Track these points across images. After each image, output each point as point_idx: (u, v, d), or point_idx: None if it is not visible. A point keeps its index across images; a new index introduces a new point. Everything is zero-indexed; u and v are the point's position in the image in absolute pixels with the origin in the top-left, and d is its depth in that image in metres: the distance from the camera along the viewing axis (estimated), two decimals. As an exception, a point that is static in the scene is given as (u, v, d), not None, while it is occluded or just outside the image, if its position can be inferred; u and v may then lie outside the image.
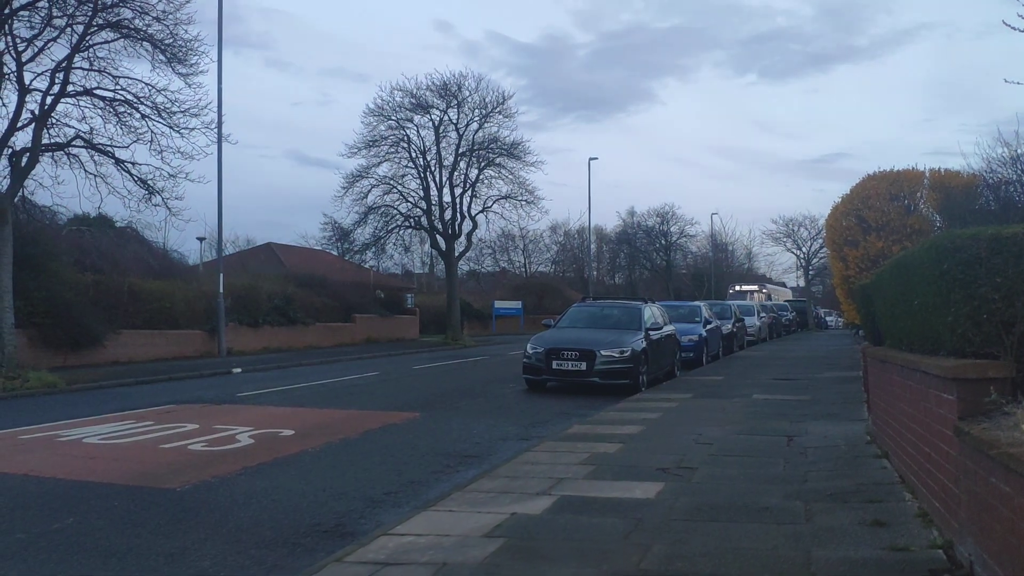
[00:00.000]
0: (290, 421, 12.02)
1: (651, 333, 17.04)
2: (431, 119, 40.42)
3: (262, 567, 5.51)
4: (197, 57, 20.29)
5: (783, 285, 79.67)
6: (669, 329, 19.04)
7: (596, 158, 61.04)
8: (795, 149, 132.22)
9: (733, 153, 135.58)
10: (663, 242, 70.62)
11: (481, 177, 41.49)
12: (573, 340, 16.10)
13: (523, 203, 41.84)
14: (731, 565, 5.15)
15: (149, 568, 5.49)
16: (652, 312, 18.29)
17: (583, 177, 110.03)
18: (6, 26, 17.99)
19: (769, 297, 57.42)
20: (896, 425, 7.46)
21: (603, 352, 15.51)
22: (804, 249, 74.96)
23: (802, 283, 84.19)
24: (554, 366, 15.71)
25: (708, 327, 23.95)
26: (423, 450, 9.89)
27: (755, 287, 60.20)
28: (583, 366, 15.50)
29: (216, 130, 23.79)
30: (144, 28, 19.27)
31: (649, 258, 72.21)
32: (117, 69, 19.64)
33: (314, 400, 14.94)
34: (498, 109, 40.91)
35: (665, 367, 18.23)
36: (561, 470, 8.12)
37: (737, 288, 58.64)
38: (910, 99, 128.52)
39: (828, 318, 73.52)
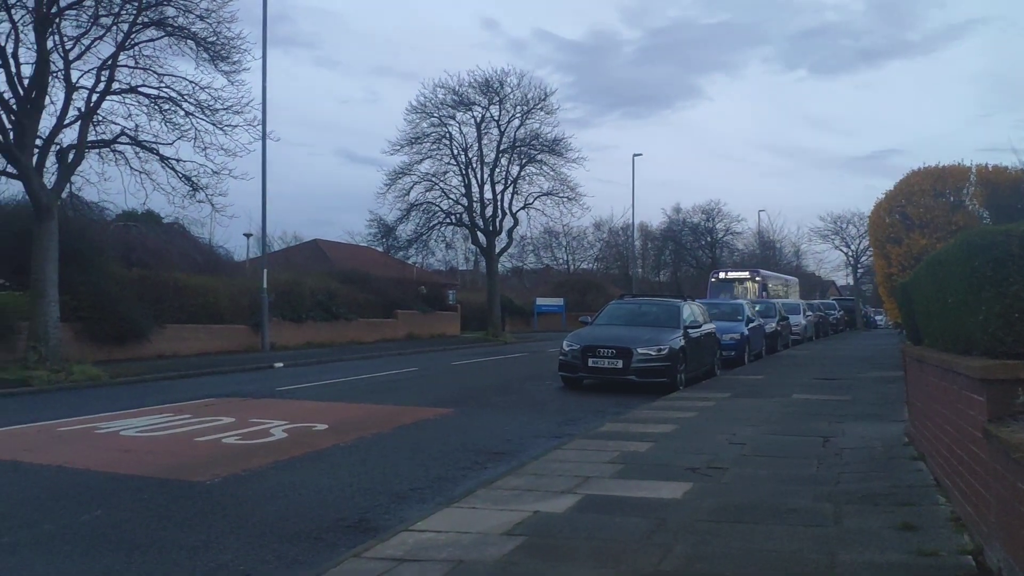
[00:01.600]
0: (325, 416, 12.10)
1: (690, 331, 16.85)
2: (473, 116, 40.61)
3: (283, 561, 5.53)
4: (240, 55, 20.55)
5: (791, 274, 61.42)
6: (709, 327, 18.82)
7: (640, 154, 60.84)
8: (846, 145, 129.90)
9: (782, 149, 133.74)
10: (709, 239, 69.92)
11: (522, 174, 41.52)
12: (610, 337, 15.98)
13: (565, 199, 41.80)
14: (752, 567, 5.04)
15: (171, 561, 5.54)
16: (691, 310, 18.09)
17: (628, 174, 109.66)
18: (54, 25, 18.36)
19: (764, 287, 42.15)
20: (932, 426, 7.27)
21: (640, 350, 15.37)
22: (853, 247, 73.70)
23: (851, 281, 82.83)
24: (590, 363, 15.61)
25: (751, 325, 23.63)
26: (453, 446, 9.89)
27: (746, 274, 43.54)
28: (619, 364, 15.38)
29: (260, 127, 24.06)
30: (188, 26, 19.56)
31: (694, 255, 71.54)
32: (162, 67, 19.98)
33: (351, 395, 15.04)
34: (540, 105, 40.90)
35: (704, 366, 18.02)
36: (589, 468, 8.05)
37: (721, 276, 43.07)
38: (964, 95, 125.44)
39: (877, 317, 72.09)
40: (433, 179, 40.81)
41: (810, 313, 39.41)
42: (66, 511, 6.75)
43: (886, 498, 6.78)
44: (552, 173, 41.48)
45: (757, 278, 42.44)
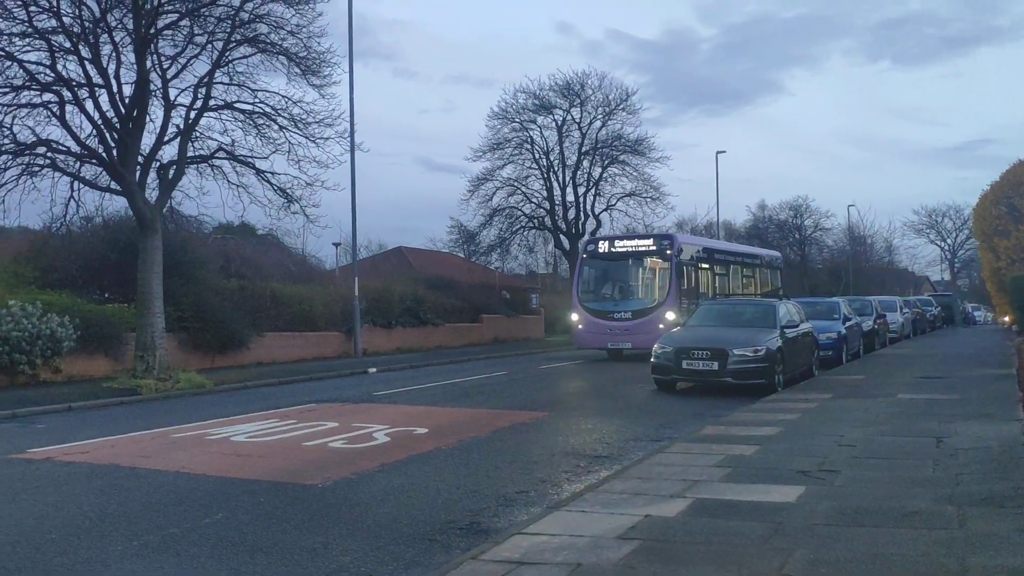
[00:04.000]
0: (423, 420, 12.26)
1: (787, 331, 16.50)
2: (554, 119, 40.56)
3: (400, 563, 5.63)
4: (330, 69, 20.98)
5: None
6: (806, 327, 18.39)
7: (724, 151, 59.60)
8: (934, 136, 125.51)
9: (867, 142, 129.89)
10: (796, 236, 68.30)
11: (604, 175, 41.32)
12: (704, 339, 15.76)
13: (648, 200, 41.35)
14: (880, 572, 4.91)
15: (293, 562, 5.69)
16: (787, 309, 17.71)
17: (709, 172, 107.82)
18: (152, 45, 19.08)
19: (684, 266, 24.59)
20: (1060, 426, 6.95)
21: (736, 351, 15.11)
22: (949, 241, 71.06)
23: (946, 276, 79.92)
24: (684, 366, 15.41)
25: (847, 324, 23.01)
26: (553, 450, 9.90)
27: (647, 244, 25.08)
28: (715, 366, 15.14)
29: (349, 139, 24.54)
30: (279, 42, 20.07)
31: (782, 253, 70.01)
32: (255, 83, 20.52)
33: (445, 399, 15.20)
34: (621, 106, 40.65)
35: (802, 366, 17.62)
36: (695, 472, 7.96)
37: (601, 248, 25.68)
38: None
39: (976, 313, 69.32)
40: (515, 184, 41.00)
41: (907, 310, 38.10)
42: (188, 515, 7.00)
43: (1011, 499, 6.54)
44: (635, 173, 41.16)
45: (669, 250, 23.71)
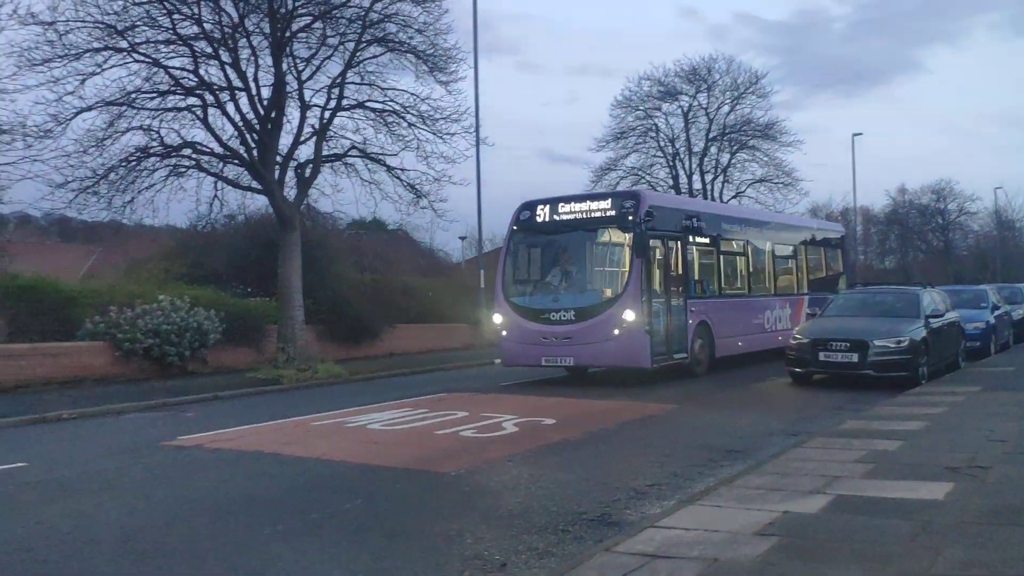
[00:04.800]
0: (551, 410, 12.30)
1: (931, 321, 15.69)
2: (679, 106, 39.95)
3: (533, 552, 5.67)
4: (455, 65, 21.31)
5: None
6: (952, 316, 17.45)
7: (860, 134, 57.02)
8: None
9: (1017, 122, 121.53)
10: (939, 221, 64.93)
11: (733, 161, 40.44)
12: (842, 330, 15.17)
13: (780, 186, 40.16)
14: (1042, 577, 4.61)
15: (430, 548, 5.82)
16: (932, 298, 16.84)
17: (843, 155, 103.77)
18: (287, 48, 19.85)
19: (650, 243, 15.58)
20: None
21: (877, 342, 14.47)
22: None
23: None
24: (821, 358, 14.87)
25: (996, 313, 21.70)
26: (684, 443, 9.75)
27: (602, 206, 16.22)
28: (854, 358, 14.54)
29: (474, 134, 24.86)
30: (407, 40, 20.52)
31: (924, 239, 66.72)
32: (385, 81, 21.08)
33: (570, 390, 15.18)
34: (751, 89, 39.69)
35: (948, 358, 16.73)
36: (835, 468, 7.67)
37: (539, 215, 16.66)
38: None
39: None
40: (640, 173, 40.59)
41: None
42: (329, 500, 7.26)
43: None
44: (765, 159, 40.10)
45: (632, 215, 15.56)
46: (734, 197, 40.51)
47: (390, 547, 5.87)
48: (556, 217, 16.37)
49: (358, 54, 20.28)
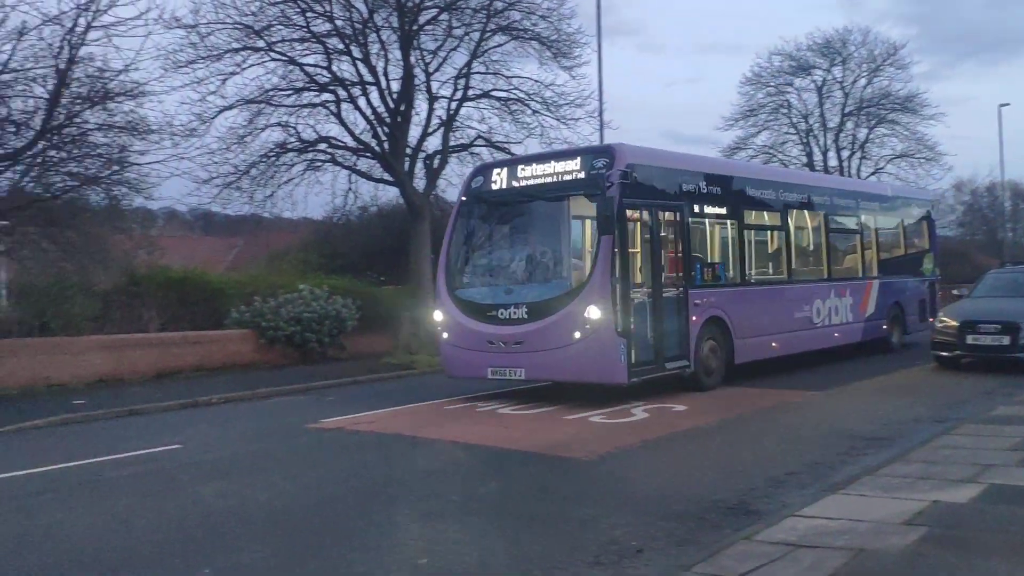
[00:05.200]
0: (683, 397, 12.13)
1: (1090, 301, 14.59)
2: (813, 80, 38.58)
3: (671, 540, 5.63)
4: (579, 49, 21.31)
5: None
6: (1117, 296, 16.17)
7: (1007, 104, 53.51)
8: None
9: None
10: (1099, 195, 60.29)
11: (871, 136, 38.71)
12: (992, 312, 14.32)
13: (922, 161, 38.22)
14: None
15: (566, 533, 5.87)
16: (1094, 276, 15.67)
17: (990, 128, 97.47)
18: (414, 41, 20.28)
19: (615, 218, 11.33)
20: None
21: (1031, 325, 13.59)
22: None
23: None
24: (969, 341, 14.09)
25: None
26: (824, 430, 9.45)
27: (563, 169, 12.24)
28: (1005, 340, 13.72)
29: (598, 118, 24.74)
30: (531, 27, 20.63)
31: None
32: (509, 70, 21.29)
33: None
34: (888, 61, 37.86)
35: (1112, 341, 15.52)
36: (987, 456, 7.28)
37: (478, 184, 12.99)
38: None
39: None
40: (771, 151, 39.39)
41: None
42: (466, 483, 7.45)
43: None
44: (906, 133, 38.18)
45: (603, 177, 11.55)
46: (873, 174, 38.80)
47: (526, 530, 5.95)
48: (515, 183, 12.60)
49: (483, 43, 20.54)
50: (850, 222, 17.32)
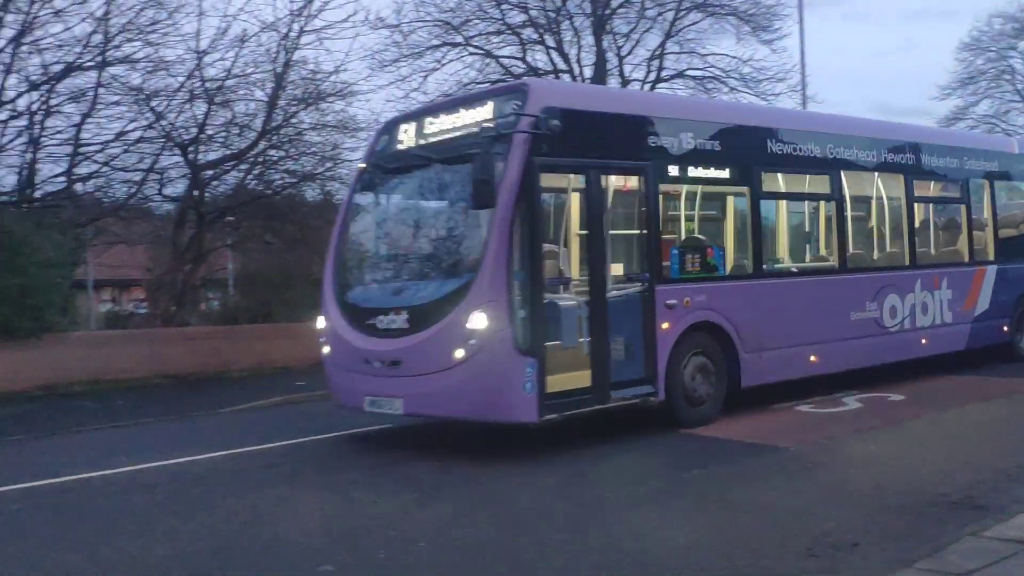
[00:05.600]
0: (900, 386, 11.44)
1: None
2: (1038, 43, 34.89)
3: (889, 535, 5.36)
4: (780, 22, 20.54)
5: None
6: None
7: None
8: None
9: None
10: None
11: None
12: None
13: None
14: None
15: (774, 522, 5.72)
16: None
17: None
18: (607, 25, 20.26)
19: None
20: None
21: None
22: None
23: None
24: None
25: None
26: (1062, 422, 8.69)
27: (470, 117, 8.64)
28: None
29: (801, 92, 23.73)
30: (728, 2, 20.09)
31: None
32: (704, 48, 20.83)
33: (918, 366, 13.93)
34: None
35: None
36: None
37: (401, 142, 9.45)
38: None
39: None
40: (993, 120, 36.18)
41: None
42: (669, 469, 7.45)
43: None
44: None
45: (513, 121, 7.94)
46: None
47: (734, 520, 5.85)
48: (422, 141, 9.17)
49: (677, 23, 20.22)
50: (952, 188, 13.02)
